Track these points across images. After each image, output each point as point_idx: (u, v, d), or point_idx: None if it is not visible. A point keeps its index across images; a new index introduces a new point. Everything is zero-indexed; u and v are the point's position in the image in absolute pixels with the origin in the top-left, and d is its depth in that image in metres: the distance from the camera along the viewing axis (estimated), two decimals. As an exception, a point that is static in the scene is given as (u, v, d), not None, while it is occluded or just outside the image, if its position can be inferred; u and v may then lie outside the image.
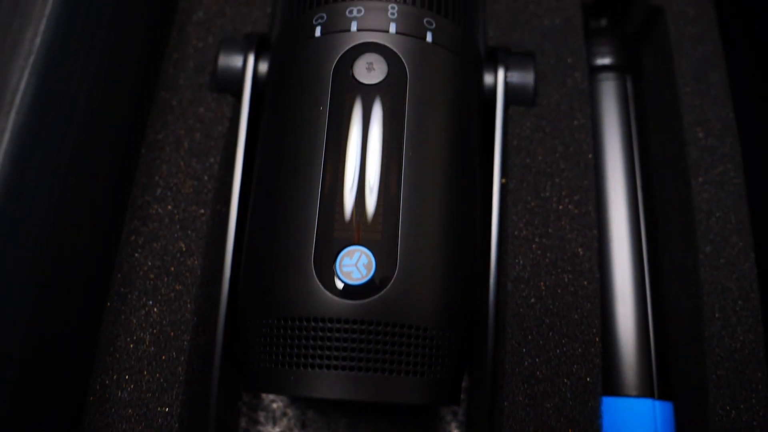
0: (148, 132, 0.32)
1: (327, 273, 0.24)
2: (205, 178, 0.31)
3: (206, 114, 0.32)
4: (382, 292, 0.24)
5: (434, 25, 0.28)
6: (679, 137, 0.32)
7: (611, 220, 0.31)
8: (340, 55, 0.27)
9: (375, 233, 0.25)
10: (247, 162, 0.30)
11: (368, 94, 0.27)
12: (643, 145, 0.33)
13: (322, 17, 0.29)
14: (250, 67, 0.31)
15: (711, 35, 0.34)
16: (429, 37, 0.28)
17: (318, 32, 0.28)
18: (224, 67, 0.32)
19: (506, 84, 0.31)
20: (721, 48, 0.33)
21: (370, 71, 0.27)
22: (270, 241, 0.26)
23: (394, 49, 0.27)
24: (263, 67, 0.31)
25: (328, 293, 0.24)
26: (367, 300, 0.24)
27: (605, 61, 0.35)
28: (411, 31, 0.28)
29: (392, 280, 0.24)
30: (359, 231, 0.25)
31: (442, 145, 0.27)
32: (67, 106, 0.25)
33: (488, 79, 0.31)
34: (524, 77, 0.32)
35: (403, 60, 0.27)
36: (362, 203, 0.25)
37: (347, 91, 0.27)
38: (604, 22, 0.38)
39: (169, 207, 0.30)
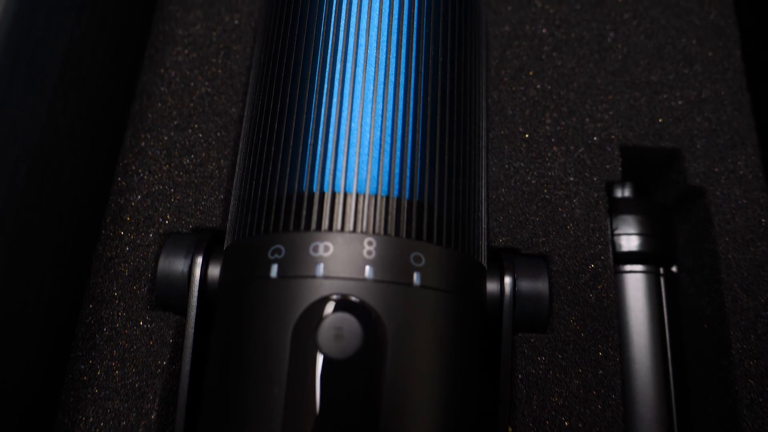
0: (71, 360, 0.26)
1: None
2: (139, 432, 0.25)
3: (142, 339, 0.26)
4: None
5: (423, 262, 0.22)
6: (726, 375, 0.26)
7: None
8: (300, 313, 0.21)
9: None
10: (191, 417, 0.24)
11: (336, 372, 0.21)
12: (680, 381, 0.27)
13: (279, 251, 0.22)
14: (197, 280, 0.25)
15: (766, 230, 0.27)
16: (416, 279, 0.22)
17: (274, 272, 0.22)
18: (165, 275, 0.26)
19: (513, 301, 0.25)
20: (779, 247, 0.27)
21: (338, 340, 0.21)
22: None
23: (372, 304, 0.21)
24: (215, 271, 0.25)
25: None
26: None
27: (631, 246, 0.29)
28: (393, 276, 0.22)
29: None
30: None
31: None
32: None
33: (491, 287, 0.25)
34: (535, 288, 0.26)
35: (383, 319, 0.21)
36: None
37: (309, 367, 0.21)
38: (629, 190, 0.31)
39: (94, 472, 0.24)
